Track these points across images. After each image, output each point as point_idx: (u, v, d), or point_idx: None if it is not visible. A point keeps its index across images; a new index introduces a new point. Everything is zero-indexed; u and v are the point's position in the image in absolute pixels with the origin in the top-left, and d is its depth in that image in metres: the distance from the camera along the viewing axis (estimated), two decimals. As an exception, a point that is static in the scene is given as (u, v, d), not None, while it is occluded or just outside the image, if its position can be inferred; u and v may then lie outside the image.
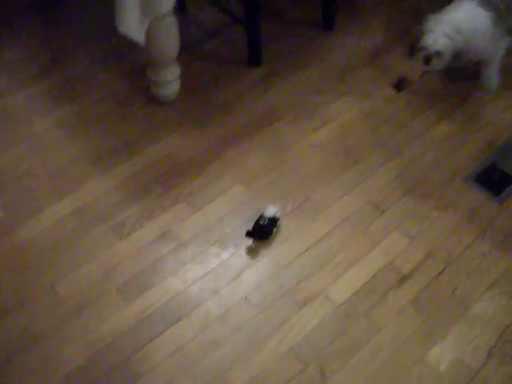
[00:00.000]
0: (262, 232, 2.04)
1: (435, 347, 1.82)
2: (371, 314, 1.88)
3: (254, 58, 2.62)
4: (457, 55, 2.33)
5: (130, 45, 2.61)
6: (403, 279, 1.96)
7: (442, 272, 1.98)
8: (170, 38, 2.24)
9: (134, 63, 2.65)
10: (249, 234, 2.03)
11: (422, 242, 2.06)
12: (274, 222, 2.05)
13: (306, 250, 2.03)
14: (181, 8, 2.84)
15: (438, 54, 2.31)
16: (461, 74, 2.63)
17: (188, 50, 2.63)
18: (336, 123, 2.43)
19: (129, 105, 2.49)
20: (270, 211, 2.05)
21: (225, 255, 2.01)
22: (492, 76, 2.57)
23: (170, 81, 2.38)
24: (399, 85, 2.58)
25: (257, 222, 2.04)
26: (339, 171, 2.26)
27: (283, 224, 2.09)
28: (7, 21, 2.89)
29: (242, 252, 2.02)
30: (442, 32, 2.29)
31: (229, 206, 2.14)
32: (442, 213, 2.15)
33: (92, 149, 2.33)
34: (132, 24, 2.07)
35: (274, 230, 2.07)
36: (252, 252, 2.02)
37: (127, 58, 2.68)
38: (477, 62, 2.53)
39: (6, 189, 2.21)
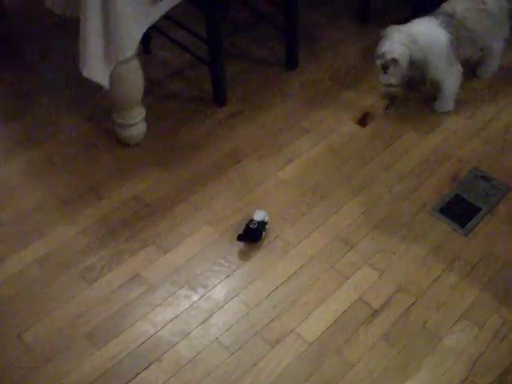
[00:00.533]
0: (253, 235, 2.11)
1: (408, 381, 1.81)
2: (343, 351, 1.88)
3: (219, 98, 2.64)
4: (413, 65, 2.41)
5: (95, 88, 2.61)
6: (374, 314, 1.96)
7: (412, 305, 1.99)
8: (134, 81, 2.25)
9: (99, 106, 2.65)
10: (240, 237, 2.10)
11: (392, 275, 2.07)
12: (263, 225, 2.13)
13: (276, 289, 2.02)
14: (145, 49, 2.86)
15: (394, 61, 2.38)
16: (424, 107, 2.68)
17: (153, 91, 2.65)
18: (302, 160, 2.45)
19: (95, 148, 2.48)
20: (259, 215, 2.13)
21: (195, 297, 2.00)
22: (444, 100, 2.64)
23: (135, 123, 2.39)
24: (363, 120, 2.61)
25: (247, 226, 2.11)
26: (307, 208, 2.27)
27: (252, 264, 2.10)
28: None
29: (212, 293, 2.01)
30: (399, 40, 2.37)
31: (197, 247, 2.14)
32: (410, 246, 2.16)
33: (58, 193, 2.31)
34: (96, 68, 2.08)
35: (264, 233, 2.13)
36: (222, 293, 2.01)
37: (92, 101, 2.68)
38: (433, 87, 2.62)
39: (-30, 237, 2.19)
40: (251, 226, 2.12)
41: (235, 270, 2.07)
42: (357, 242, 2.17)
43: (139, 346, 1.88)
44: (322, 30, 3.14)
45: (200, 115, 2.63)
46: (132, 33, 2.06)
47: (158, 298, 2.00)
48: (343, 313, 1.97)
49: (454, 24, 2.48)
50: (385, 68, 2.43)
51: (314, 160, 2.45)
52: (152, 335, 1.91)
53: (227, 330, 1.92)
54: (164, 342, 1.89)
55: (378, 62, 2.44)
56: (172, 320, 1.94)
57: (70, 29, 3.01)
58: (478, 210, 2.29)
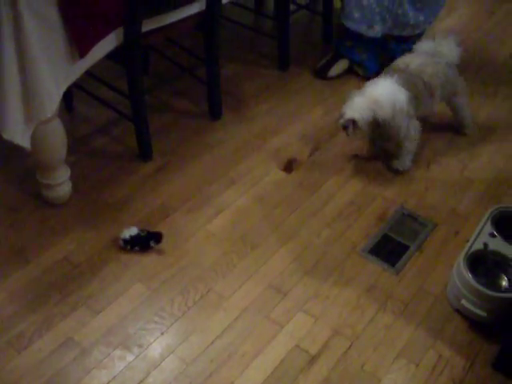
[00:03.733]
0: (144, 242, 2.27)
1: (350, 427, 1.82)
2: (284, 401, 1.87)
3: (144, 153, 2.63)
4: (374, 127, 2.44)
5: (16, 149, 2.57)
6: (312, 360, 1.96)
7: (349, 348, 2.00)
8: (56, 141, 2.22)
9: (21, 167, 2.60)
10: (126, 242, 2.25)
11: (327, 320, 2.08)
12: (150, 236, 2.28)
13: (212, 343, 2.00)
14: (67, 107, 2.83)
15: (353, 122, 2.42)
16: (347, 151, 2.73)
17: (77, 149, 2.62)
18: (230, 211, 2.45)
19: (19, 210, 2.42)
20: (132, 230, 2.27)
21: (130, 357, 1.95)
22: (403, 159, 2.65)
23: (60, 183, 2.35)
24: (288, 167, 2.64)
25: (138, 234, 2.26)
26: (237, 259, 2.26)
27: (187, 319, 2.07)
28: None
29: (148, 352, 1.97)
30: (360, 103, 2.42)
31: (129, 306, 2.09)
32: (342, 289, 2.18)
33: (-17, 259, 2.25)
34: (16, 129, 2.04)
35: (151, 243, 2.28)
36: (158, 350, 1.98)
37: (14, 162, 2.63)
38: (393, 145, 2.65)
39: None
40: (141, 234, 2.26)
41: (169, 327, 2.04)
42: (289, 290, 2.17)
43: (75, 413, 1.83)
44: (244, 80, 3.19)
45: (126, 171, 2.61)
46: (52, 92, 2.04)
47: (93, 361, 1.94)
48: (281, 362, 1.96)
49: (410, 80, 2.52)
50: (344, 128, 2.45)
51: (243, 210, 2.46)
52: (88, 400, 1.86)
53: (165, 389, 1.88)
54: (101, 406, 1.85)
55: (340, 121, 2.46)
56: (108, 383, 1.89)
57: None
58: (407, 248, 2.34)
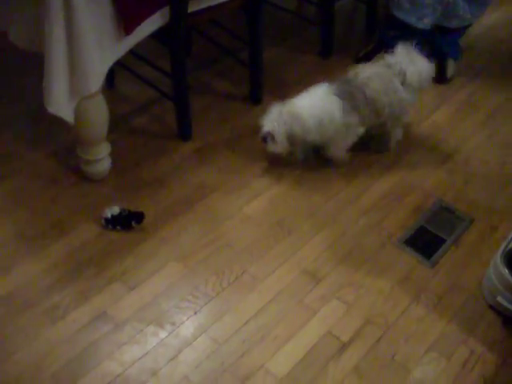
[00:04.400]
0: (125, 222, 2.27)
1: (379, 416, 1.82)
2: (314, 386, 1.87)
3: (183, 133, 2.64)
4: (293, 139, 2.36)
5: (59, 123, 2.60)
6: (343, 348, 1.96)
7: (380, 338, 1.99)
8: (99, 116, 2.24)
9: (63, 142, 2.63)
10: (108, 222, 2.26)
11: (359, 308, 2.08)
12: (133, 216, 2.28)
13: (245, 324, 2.01)
14: (109, 84, 2.85)
15: (270, 135, 2.36)
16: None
17: (117, 126, 2.63)
18: (268, 195, 2.45)
19: (59, 184, 2.45)
20: (114, 209, 2.28)
21: (163, 334, 1.97)
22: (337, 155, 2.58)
23: (100, 158, 2.37)
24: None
25: (120, 214, 2.26)
26: (274, 242, 2.27)
27: (220, 299, 2.08)
28: None
29: (180, 330, 1.98)
30: (277, 116, 2.34)
31: (164, 283, 2.11)
32: (376, 278, 2.17)
33: (21, 231, 2.27)
34: (60, 103, 2.06)
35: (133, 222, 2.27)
36: (190, 329, 1.99)
37: (56, 136, 2.66)
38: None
39: None
40: (123, 213, 2.27)
41: (203, 306, 2.05)
42: (324, 276, 2.17)
43: (107, 385, 1.85)
44: (286, 65, 3.18)
45: (165, 150, 2.62)
46: (97, 68, 2.05)
47: (125, 336, 1.96)
48: (312, 347, 1.96)
49: (349, 91, 2.40)
50: (263, 139, 2.40)
51: (280, 194, 2.46)
52: (119, 374, 1.87)
53: (196, 367, 1.89)
54: (132, 381, 1.86)
55: (259, 134, 2.41)
56: (140, 358, 1.91)
57: (34, 63, 3.03)
58: (443, 241, 2.32)
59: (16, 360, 1.90)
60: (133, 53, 2.52)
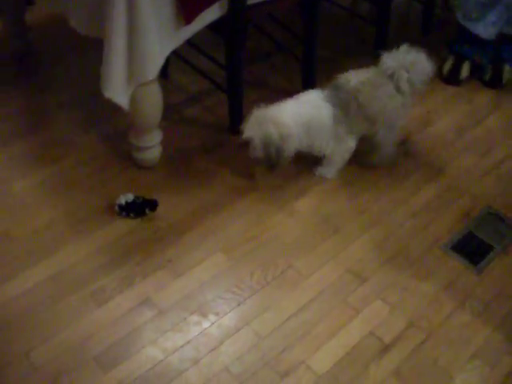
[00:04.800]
0: (139, 209, 2.27)
1: (419, 420, 1.80)
2: (353, 386, 1.86)
3: (234, 126, 2.63)
4: (268, 147, 2.24)
5: (111, 109, 2.62)
6: (385, 349, 1.95)
7: (423, 342, 1.97)
8: (153, 104, 2.26)
9: (115, 127, 2.66)
10: (122, 208, 2.26)
11: (403, 311, 2.06)
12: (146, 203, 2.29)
13: (287, 320, 2.01)
14: (163, 74, 2.85)
15: (248, 141, 2.28)
16: (437, 145, 2.68)
17: (169, 116, 2.64)
18: (316, 191, 2.45)
19: (109, 168, 2.48)
20: (129, 196, 2.28)
21: (205, 324, 1.98)
22: (328, 169, 2.49)
23: (151, 146, 2.39)
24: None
25: (134, 201, 2.27)
26: (320, 239, 2.26)
27: (264, 293, 2.09)
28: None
29: (223, 321, 1.99)
30: (255, 121, 2.25)
31: (209, 273, 2.13)
32: (421, 282, 2.15)
33: (71, 212, 2.31)
34: (117, 89, 2.09)
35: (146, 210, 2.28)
36: (233, 321, 2.00)
37: (108, 122, 2.69)
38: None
39: (-18, 251, 2.19)
40: (137, 201, 2.27)
41: (247, 299, 2.06)
42: (368, 276, 2.16)
43: (147, 371, 1.86)
44: (338, 62, 3.15)
45: (216, 142, 2.64)
46: (156, 56, 2.07)
47: (168, 324, 1.98)
48: (354, 347, 1.95)
49: (341, 97, 2.31)
50: (244, 144, 2.32)
51: (329, 191, 2.45)
52: (161, 361, 1.89)
53: (237, 358, 1.90)
54: (173, 368, 1.87)
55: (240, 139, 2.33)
56: (182, 346, 1.92)
57: (90, 48, 3.06)
58: (491, 248, 2.29)
59: (60, 339, 1.93)
60: (188, 43, 2.53)
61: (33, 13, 3.21)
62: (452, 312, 2.07)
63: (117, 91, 2.09)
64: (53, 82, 2.93)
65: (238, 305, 2.04)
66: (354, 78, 2.35)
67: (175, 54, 2.67)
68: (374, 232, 2.31)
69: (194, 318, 2.00)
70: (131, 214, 2.29)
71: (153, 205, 2.29)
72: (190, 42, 2.52)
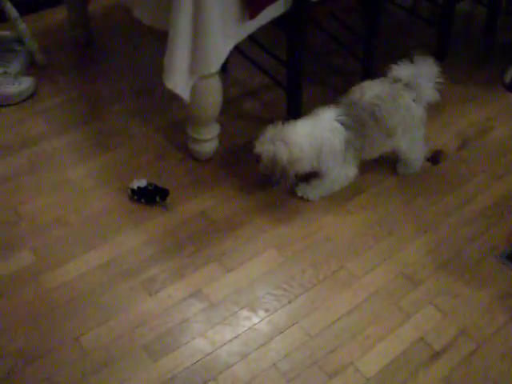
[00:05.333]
0: (150, 196, 2.29)
1: (466, 430, 1.77)
2: (402, 391, 1.84)
3: (292, 121, 2.64)
4: (274, 166, 2.18)
5: (168, 100, 2.65)
6: (435, 356, 1.92)
7: (474, 352, 1.94)
8: (213, 97, 2.26)
9: (171, 119, 2.68)
10: (134, 192, 2.29)
11: (455, 318, 2.02)
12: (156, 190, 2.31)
13: (338, 320, 1.99)
14: (222, 67, 2.84)
15: (258, 156, 2.22)
16: (499, 151, 2.63)
17: (227, 110, 2.64)
18: (371, 192, 2.42)
19: (165, 159, 2.50)
20: (141, 181, 2.31)
21: (255, 319, 1.98)
22: (314, 191, 2.37)
23: (208, 139, 2.39)
24: (435, 158, 2.57)
25: (146, 187, 2.29)
26: (373, 241, 2.24)
27: (315, 292, 2.08)
28: (47, 67, 2.94)
29: (273, 318, 1.99)
30: (268, 137, 2.19)
31: (261, 269, 2.12)
32: (475, 290, 2.11)
33: (125, 201, 2.33)
34: (179, 81, 2.10)
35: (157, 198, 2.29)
36: (283, 318, 1.99)
37: (164, 113, 2.70)
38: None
39: (37, 234, 2.22)
40: (149, 188, 2.29)
41: (297, 297, 2.05)
42: (421, 281, 2.13)
43: (195, 362, 1.87)
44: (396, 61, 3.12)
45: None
46: (219, 49, 2.08)
47: (218, 317, 1.99)
48: (404, 351, 1.93)
49: (356, 115, 2.20)
50: (256, 158, 2.24)
51: (384, 193, 2.42)
52: (209, 353, 1.90)
53: (285, 356, 1.89)
54: (221, 361, 1.88)
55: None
56: (231, 340, 1.93)
57: (149, 39, 3.09)
58: (550, 260, 2.24)
59: (111, 326, 1.95)
60: (248, 38, 2.53)
61: (95, 2, 3.25)
62: (505, 323, 2.02)
63: (179, 82, 2.10)
64: (111, 72, 2.96)
65: (289, 302, 2.03)
66: (367, 91, 2.25)
67: (235, 48, 2.67)
68: (428, 236, 2.27)
69: (244, 312, 2.00)
70: (142, 200, 2.31)
71: (164, 194, 2.30)
72: (250, 37, 2.51)
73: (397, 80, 2.27)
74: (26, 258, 2.14)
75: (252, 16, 2.12)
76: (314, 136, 2.18)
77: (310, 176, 2.35)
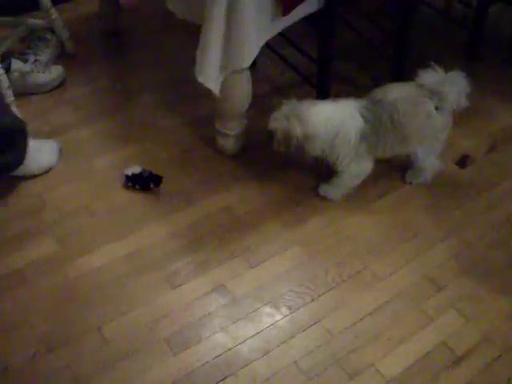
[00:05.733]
0: (144, 182, 2.33)
1: None
2: (422, 394, 1.83)
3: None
4: (288, 142, 2.14)
5: (195, 94, 2.65)
6: (457, 361, 1.90)
7: (497, 359, 1.91)
8: (242, 93, 2.27)
9: (198, 112, 2.68)
10: (128, 179, 2.34)
11: (478, 324, 2.00)
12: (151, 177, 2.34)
13: (360, 320, 1.98)
14: (251, 63, 2.86)
15: (272, 133, 2.18)
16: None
17: (255, 105, 2.64)
18: (395, 194, 2.41)
19: (191, 153, 2.50)
20: (136, 168, 2.34)
21: (278, 316, 1.98)
22: (335, 190, 2.35)
23: (236, 134, 2.39)
24: (462, 161, 2.55)
25: (140, 173, 2.32)
26: (397, 243, 2.22)
27: (339, 291, 2.07)
28: (78, 57, 2.95)
29: (296, 315, 1.99)
30: (283, 113, 2.15)
31: (285, 266, 2.12)
32: (499, 296, 2.08)
33: (150, 193, 2.33)
34: (211, 75, 2.10)
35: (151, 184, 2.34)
36: (306, 316, 1.99)
37: (192, 106, 2.71)
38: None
39: (61, 223, 2.24)
40: (144, 174, 2.32)
41: (320, 295, 2.04)
42: (445, 285, 2.11)
43: (216, 357, 1.88)
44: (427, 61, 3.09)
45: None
46: (252, 44, 2.08)
47: (241, 312, 1.99)
48: (425, 355, 1.91)
49: (376, 113, 2.16)
50: (269, 135, 2.21)
51: (409, 195, 2.40)
52: (230, 349, 1.90)
53: (307, 354, 1.89)
54: (242, 357, 1.88)
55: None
56: (252, 336, 1.93)
57: (179, 32, 3.09)
58: None
59: (133, 317, 1.96)
60: (279, 34, 2.52)
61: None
62: (529, 331, 2.01)
63: (210, 77, 2.10)
64: (140, 63, 2.96)
65: (312, 300, 2.03)
66: (390, 93, 2.21)
67: (264, 44, 2.67)
68: (454, 240, 2.25)
69: (267, 309, 2.00)
70: (137, 186, 2.34)
71: (157, 180, 2.33)
72: (280, 33, 2.51)
73: (422, 86, 2.21)
74: (50, 246, 2.16)
75: (285, 13, 2.11)
76: (332, 120, 2.14)
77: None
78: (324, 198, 2.36)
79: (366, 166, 2.27)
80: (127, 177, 2.34)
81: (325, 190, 2.36)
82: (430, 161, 2.38)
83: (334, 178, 2.33)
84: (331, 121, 2.14)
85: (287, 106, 2.17)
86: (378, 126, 2.16)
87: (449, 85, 2.17)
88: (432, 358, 1.91)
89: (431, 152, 2.35)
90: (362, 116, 2.15)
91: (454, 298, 2.07)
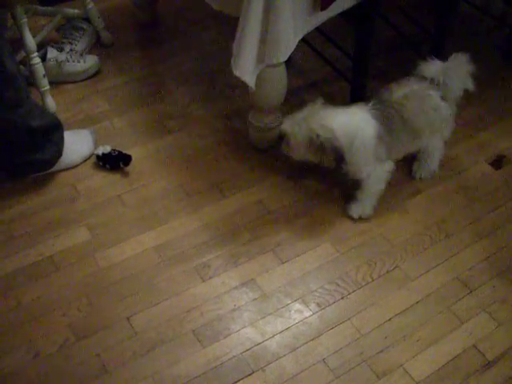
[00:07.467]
0: (114, 162, 2.38)
1: None
2: (451, 398, 1.81)
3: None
4: (315, 150, 2.10)
5: (229, 87, 2.65)
6: (487, 365, 1.88)
7: (529, 364, 1.90)
8: (278, 87, 2.25)
9: (232, 105, 2.66)
10: (99, 158, 2.38)
11: (510, 328, 1.98)
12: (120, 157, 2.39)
13: (389, 320, 1.97)
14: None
15: (285, 136, 2.15)
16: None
17: (289, 99, 2.62)
18: (430, 192, 2.38)
19: (225, 146, 2.50)
20: (106, 148, 2.39)
21: (307, 313, 1.98)
22: (364, 205, 2.27)
23: (270, 128, 2.37)
24: (498, 162, 2.51)
25: (109, 153, 2.38)
26: (429, 243, 2.20)
27: (369, 290, 2.06)
28: (113, 47, 2.96)
29: (325, 312, 1.98)
30: (299, 118, 2.11)
31: (315, 263, 2.11)
32: (532, 302, 2.07)
33: (182, 185, 2.34)
34: (247, 68, 2.08)
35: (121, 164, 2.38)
36: (335, 314, 1.98)
37: (227, 99, 2.70)
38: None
39: (94, 212, 2.25)
40: (113, 153, 2.38)
41: (350, 293, 2.03)
42: (477, 287, 2.09)
43: (244, 351, 1.88)
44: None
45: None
46: (289, 39, 2.06)
47: (270, 308, 1.98)
48: (455, 357, 1.90)
49: (386, 113, 2.12)
50: (281, 136, 2.20)
51: (443, 195, 2.38)
52: (258, 343, 1.90)
53: (335, 352, 1.88)
54: (270, 352, 1.88)
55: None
56: (281, 332, 1.93)
57: (214, 24, 3.08)
58: None
59: (162, 308, 1.97)
60: (315, 28, 2.50)
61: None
62: (561, 339, 1.98)
63: (246, 70, 2.08)
64: (175, 54, 2.96)
65: (342, 298, 2.02)
66: (396, 90, 2.18)
67: (301, 39, 2.65)
68: (487, 242, 2.22)
69: (296, 305, 1.99)
70: (107, 166, 2.39)
71: (127, 159, 2.37)
72: (316, 28, 2.48)
73: (423, 78, 2.20)
74: (83, 235, 2.17)
75: (324, 7, 2.09)
76: (348, 125, 2.10)
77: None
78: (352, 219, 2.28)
79: (388, 166, 2.22)
80: (97, 156, 2.39)
81: (355, 210, 2.27)
82: (438, 151, 2.37)
83: (358, 192, 2.27)
84: (348, 126, 2.09)
85: (304, 112, 2.13)
86: (390, 126, 2.13)
87: (448, 73, 2.17)
88: (462, 361, 1.90)
89: (440, 141, 2.34)
90: (375, 119, 2.12)
91: (486, 301, 2.05)
